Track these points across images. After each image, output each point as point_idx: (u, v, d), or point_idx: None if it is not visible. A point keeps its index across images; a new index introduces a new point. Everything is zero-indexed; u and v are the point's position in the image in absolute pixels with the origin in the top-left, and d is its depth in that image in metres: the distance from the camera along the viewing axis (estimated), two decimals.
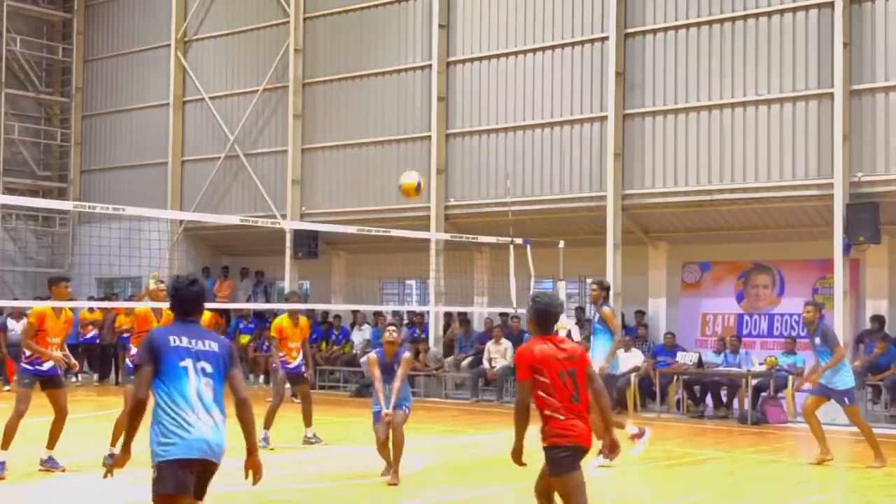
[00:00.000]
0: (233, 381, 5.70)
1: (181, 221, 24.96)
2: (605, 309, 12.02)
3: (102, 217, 24.63)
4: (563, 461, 6.11)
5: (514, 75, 20.59)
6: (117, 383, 23.36)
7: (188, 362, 5.53)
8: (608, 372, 11.83)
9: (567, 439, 6.06)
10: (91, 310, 23.55)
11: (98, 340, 23.74)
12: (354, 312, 22.64)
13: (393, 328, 10.53)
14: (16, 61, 27.18)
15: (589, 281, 12.80)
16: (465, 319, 21.46)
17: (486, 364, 19.77)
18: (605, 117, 19.24)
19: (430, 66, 21.47)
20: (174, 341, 5.57)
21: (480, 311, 21.16)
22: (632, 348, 18.30)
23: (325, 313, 23.28)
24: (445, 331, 21.65)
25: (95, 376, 23.82)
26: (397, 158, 22.12)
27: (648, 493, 10.09)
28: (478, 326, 21.55)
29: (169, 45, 25.78)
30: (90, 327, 23.66)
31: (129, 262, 21.07)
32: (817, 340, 11.85)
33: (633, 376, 17.87)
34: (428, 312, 21.27)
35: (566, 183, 19.88)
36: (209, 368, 5.58)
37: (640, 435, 11.58)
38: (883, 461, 11.45)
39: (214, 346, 5.67)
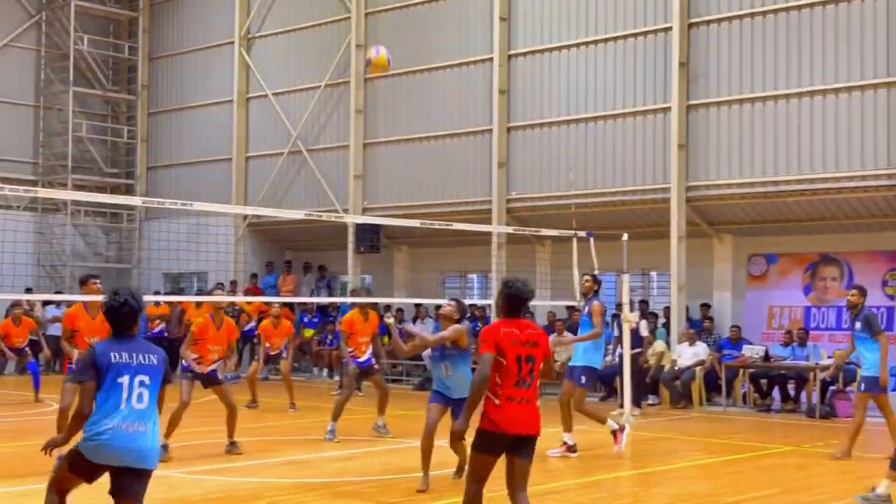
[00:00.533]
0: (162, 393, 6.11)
1: (245, 217, 25.23)
2: (595, 303, 12.03)
3: (169, 213, 25.02)
4: (481, 442, 6.28)
5: (576, 67, 20.48)
6: None
7: (125, 378, 5.89)
8: (588, 366, 11.89)
9: (495, 426, 6.22)
10: (157, 304, 23.94)
11: (165, 334, 24.08)
12: (417, 306, 22.71)
13: (448, 302, 9.93)
14: (83, 60, 27.66)
15: (588, 274, 12.67)
16: (527, 313, 21.37)
17: None
18: (669, 108, 19.06)
19: (490, 59, 21.44)
20: (115, 357, 5.91)
21: (543, 305, 21.08)
22: (696, 342, 18.13)
23: (387, 307, 23.35)
24: None
25: None
26: (458, 152, 22.16)
27: (715, 488, 9.99)
28: (540, 320, 21.47)
29: (232, 43, 26.07)
30: (157, 322, 24.02)
31: (197, 258, 21.41)
32: (858, 325, 11.65)
33: (698, 370, 17.70)
34: (489, 306, 21.23)
35: (629, 175, 19.74)
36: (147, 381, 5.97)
37: (621, 430, 11.65)
38: None
39: (154, 360, 6.04)
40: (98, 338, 10.59)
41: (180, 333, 23.77)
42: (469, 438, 6.56)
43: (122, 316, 6.04)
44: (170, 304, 23.72)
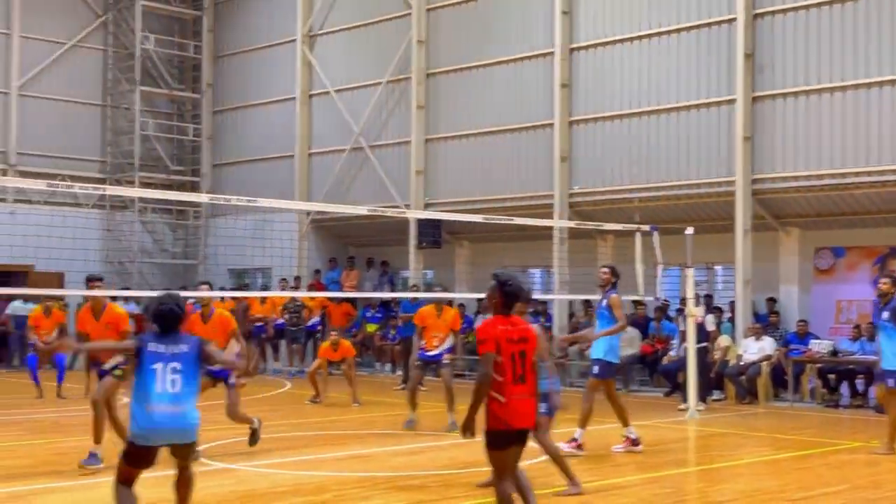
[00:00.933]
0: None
1: (309, 213, 25.45)
2: (613, 295, 11.68)
3: (234, 209, 25.34)
4: (489, 441, 6.52)
5: (639, 60, 20.33)
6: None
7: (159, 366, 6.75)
8: (606, 359, 11.55)
9: (503, 424, 6.46)
10: (223, 300, 24.24)
11: None
12: (479, 301, 22.72)
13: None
14: (149, 59, 28.09)
15: (606, 266, 12.29)
16: (589, 308, 21.28)
17: None
18: (734, 100, 18.84)
19: (552, 52, 21.36)
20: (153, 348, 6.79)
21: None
22: (763, 336, 17.92)
23: (450, 302, 23.38)
24: (570, 319, 21.55)
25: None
26: (520, 147, 22.13)
27: (783, 484, 9.88)
28: None
29: (295, 40, 26.29)
30: None
31: (263, 253, 21.67)
32: (885, 315, 11.41)
33: (764, 365, 17.50)
34: (552, 301, 21.20)
35: (693, 168, 19.55)
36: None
37: (635, 444, 11.44)
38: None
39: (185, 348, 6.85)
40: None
41: (245, 329, 24.09)
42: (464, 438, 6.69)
43: (168, 320, 6.88)
44: (234, 299, 24.03)
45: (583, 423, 11.37)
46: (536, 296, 22.62)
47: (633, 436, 11.54)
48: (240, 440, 11.31)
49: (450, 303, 14.64)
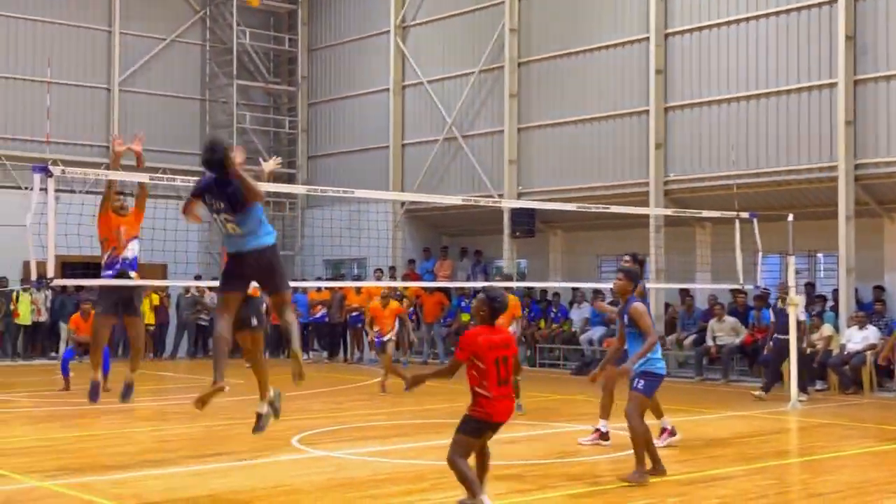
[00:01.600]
0: None
1: (403, 203, 25.61)
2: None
3: (329, 200, 25.66)
4: (468, 427, 7.36)
5: (736, 44, 19.95)
6: (345, 361, 24.30)
7: None
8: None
9: (486, 415, 7.31)
10: (319, 290, 24.57)
11: (327, 319, 24.72)
12: (574, 290, 22.60)
13: (621, 274, 9.55)
14: (245, 53, 28.56)
15: (625, 263, 11.10)
16: (687, 297, 21.02)
17: (709, 342, 19.34)
18: (835, 84, 18.38)
19: (647, 38, 21.10)
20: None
21: (704, 288, 20.66)
22: (867, 325, 17.45)
23: (544, 292, 23.34)
24: (667, 309, 21.29)
25: (325, 354, 24.82)
26: (614, 134, 21.92)
27: (891, 475, 9.62)
28: (700, 304, 21.07)
29: (388, 32, 26.44)
30: (319, 307, 24.68)
31: (358, 243, 21.86)
32: None
33: (868, 354, 17.05)
34: (647, 288, 20.92)
35: (794, 153, 19.13)
36: None
37: (671, 434, 10.86)
38: None
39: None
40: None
41: (342, 318, 24.38)
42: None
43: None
44: (331, 289, 24.32)
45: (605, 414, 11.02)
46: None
47: (668, 426, 10.99)
48: (339, 428, 11.43)
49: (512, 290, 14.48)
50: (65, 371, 16.54)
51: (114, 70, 26.81)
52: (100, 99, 26.78)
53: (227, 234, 8.45)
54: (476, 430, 7.37)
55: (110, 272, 11.04)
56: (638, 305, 9.35)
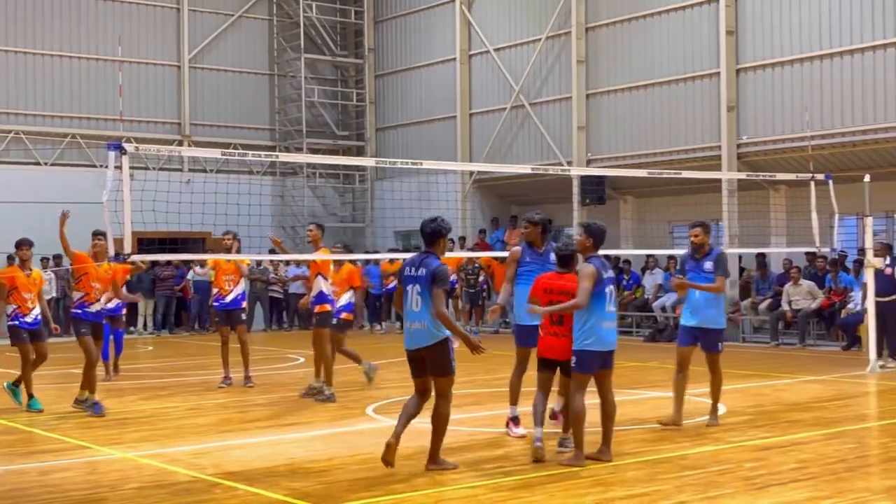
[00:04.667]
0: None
1: (471, 173, 25.57)
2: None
3: (398, 172, 25.72)
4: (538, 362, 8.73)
5: (809, 1, 19.48)
6: None
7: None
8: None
9: (538, 351, 8.69)
10: (392, 261, 24.68)
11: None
12: (648, 257, 22.41)
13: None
14: (312, 27, 28.66)
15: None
16: (762, 261, 20.71)
17: (784, 306, 19.06)
18: None
19: None
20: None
21: (778, 252, 20.34)
22: None
23: (616, 258, 23.16)
24: (741, 273, 21.01)
25: (398, 324, 24.96)
26: (684, 98, 21.61)
27: None
28: (775, 267, 20.75)
29: (454, 1, 26.31)
30: (392, 278, 24.78)
31: (427, 215, 21.84)
32: None
33: None
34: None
35: (870, 113, 18.68)
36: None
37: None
38: None
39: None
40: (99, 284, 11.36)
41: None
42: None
43: (426, 235, 8.19)
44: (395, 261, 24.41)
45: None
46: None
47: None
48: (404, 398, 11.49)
49: None
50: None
51: (183, 47, 27.11)
52: (170, 76, 27.12)
53: None
54: (539, 365, 8.64)
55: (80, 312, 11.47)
56: (586, 266, 8.49)
